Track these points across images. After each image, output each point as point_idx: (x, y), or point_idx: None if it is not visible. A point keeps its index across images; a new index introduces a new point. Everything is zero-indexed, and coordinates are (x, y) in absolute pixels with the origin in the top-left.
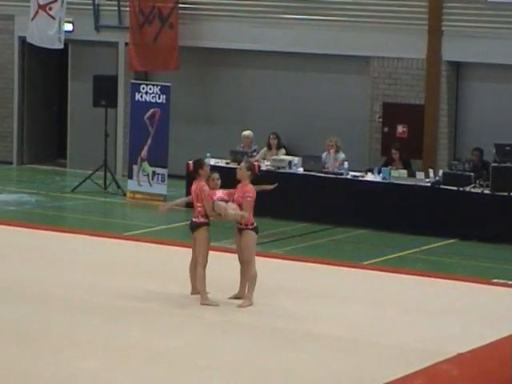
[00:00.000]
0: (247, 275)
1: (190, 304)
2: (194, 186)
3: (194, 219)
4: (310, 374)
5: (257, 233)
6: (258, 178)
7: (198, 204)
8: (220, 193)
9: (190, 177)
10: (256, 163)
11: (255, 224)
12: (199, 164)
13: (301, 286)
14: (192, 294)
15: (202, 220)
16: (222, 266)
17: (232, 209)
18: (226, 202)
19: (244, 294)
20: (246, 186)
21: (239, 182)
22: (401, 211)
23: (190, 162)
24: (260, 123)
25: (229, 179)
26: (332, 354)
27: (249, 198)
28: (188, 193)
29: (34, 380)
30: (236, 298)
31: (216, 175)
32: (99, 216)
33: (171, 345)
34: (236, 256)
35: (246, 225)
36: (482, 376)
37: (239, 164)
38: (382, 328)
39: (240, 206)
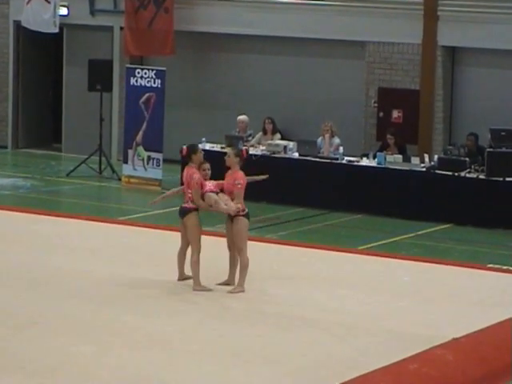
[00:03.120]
0: (237, 263)
1: (184, 289)
2: (185, 172)
3: (184, 204)
4: (304, 358)
5: (248, 219)
6: (252, 162)
7: (189, 190)
8: (210, 184)
9: (183, 162)
10: (244, 148)
11: (246, 210)
12: (193, 149)
13: (295, 271)
14: (179, 280)
15: (191, 205)
16: (215, 251)
17: (224, 201)
18: (216, 193)
19: (233, 280)
20: (236, 172)
21: (229, 168)
22: (396, 196)
23: (184, 147)
24: (255, 108)
25: (224, 164)
26: (326, 339)
27: (239, 185)
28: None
29: (27, 364)
30: (225, 284)
31: (207, 165)
32: (94, 200)
33: (166, 330)
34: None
35: (238, 212)
36: (477, 361)
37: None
38: (377, 313)
39: (231, 192)
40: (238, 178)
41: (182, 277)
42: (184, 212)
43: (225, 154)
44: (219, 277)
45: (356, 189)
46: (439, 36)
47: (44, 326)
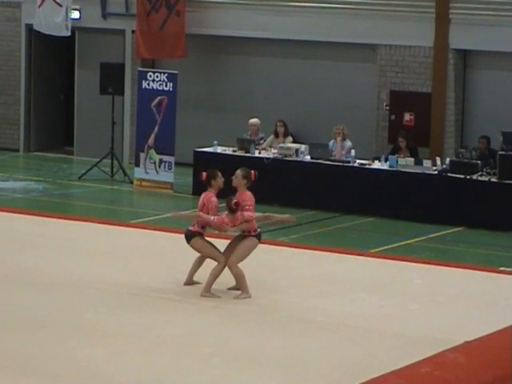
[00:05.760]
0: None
1: (195, 293)
2: (203, 196)
3: (190, 227)
4: (316, 361)
5: (259, 240)
6: (264, 166)
7: (201, 213)
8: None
9: (202, 187)
10: (252, 171)
11: (259, 230)
12: (213, 175)
13: (307, 274)
14: (185, 284)
15: (197, 229)
16: None
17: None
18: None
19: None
20: (244, 193)
21: (236, 190)
22: (408, 199)
23: (203, 173)
24: (267, 111)
25: (235, 168)
26: (338, 342)
27: (247, 207)
28: (195, 182)
29: (40, 367)
30: (236, 288)
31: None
32: (106, 204)
33: (177, 332)
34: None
35: (249, 232)
36: (489, 364)
37: (246, 152)
38: (389, 316)
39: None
40: (245, 199)
41: (189, 282)
42: (188, 236)
43: (236, 157)
44: (230, 281)
45: (368, 192)
46: (451, 39)
47: (55, 329)
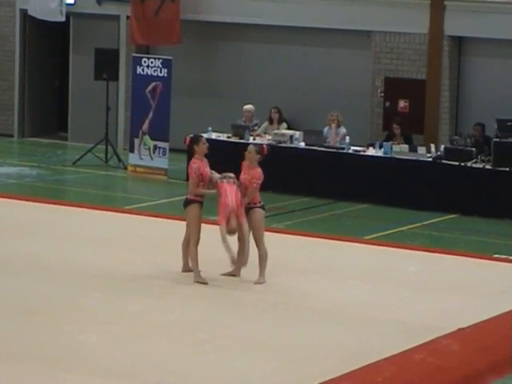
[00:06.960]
0: (245, 255)
1: (189, 279)
2: (190, 164)
3: (188, 195)
4: (310, 348)
5: (264, 210)
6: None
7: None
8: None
9: (189, 152)
10: (265, 146)
11: (262, 202)
12: (196, 140)
13: (302, 261)
14: (183, 271)
15: (194, 197)
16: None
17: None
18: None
19: (239, 272)
20: (255, 169)
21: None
22: (402, 186)
23: (188, 137)
24: (261, 97)
25: (229, 154)
26: (332, 329)
27: (255, 184)
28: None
29: (34, 354)
30: (230, 275)
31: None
32: (100, 189)
33: (172, 319)
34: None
35: (255, 203)
36: (483, 351)
37: (240, 138)
38: (383, 303)
39: (246, 188)
40: (256, 176)
41: (186, 268)
42: (186, 203)
43: (230, 143)
44: (225, 267)
45: (362, 178)
46: (446, 26)
47: (50, 315)
